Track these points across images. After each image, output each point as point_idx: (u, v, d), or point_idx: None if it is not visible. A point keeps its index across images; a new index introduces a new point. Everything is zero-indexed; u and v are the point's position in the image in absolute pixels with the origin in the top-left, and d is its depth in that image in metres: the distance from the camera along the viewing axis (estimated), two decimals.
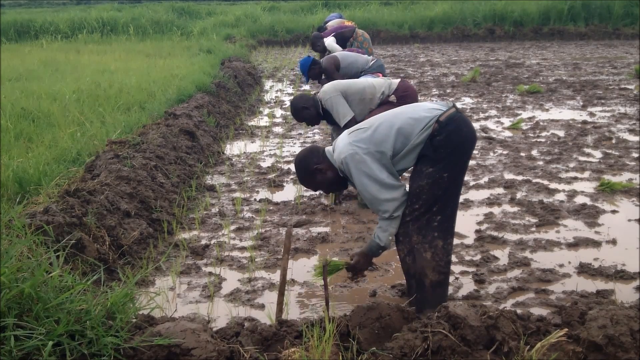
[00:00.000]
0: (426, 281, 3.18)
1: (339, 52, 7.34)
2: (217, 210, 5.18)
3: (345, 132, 3.35)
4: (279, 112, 9.65)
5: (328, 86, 5.13)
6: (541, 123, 8.08)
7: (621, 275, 3.79)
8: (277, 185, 5.85)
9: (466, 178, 5.79)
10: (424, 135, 3.13)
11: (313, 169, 3.37)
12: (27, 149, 5.68)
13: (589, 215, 4.80)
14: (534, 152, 6.68)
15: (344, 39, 8.85)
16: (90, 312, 2.40)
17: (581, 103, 9.37)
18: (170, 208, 4.99)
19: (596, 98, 9.67)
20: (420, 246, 3.15)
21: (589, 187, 5.49)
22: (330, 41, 8.70)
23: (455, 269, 3.97)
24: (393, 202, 3.14)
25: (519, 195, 5.35)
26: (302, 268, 4.07)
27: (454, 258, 4.10)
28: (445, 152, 3.12)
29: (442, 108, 3.20)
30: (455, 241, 4.39)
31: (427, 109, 3.23)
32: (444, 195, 3.15)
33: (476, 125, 7.92)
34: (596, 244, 4.30)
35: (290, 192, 5.68)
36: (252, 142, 7.67)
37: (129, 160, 5.25)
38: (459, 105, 9.38)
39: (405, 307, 2.70)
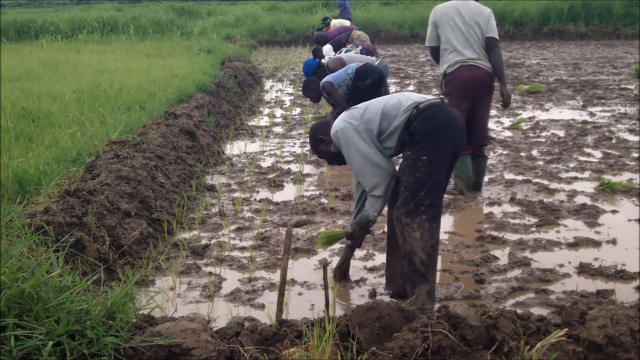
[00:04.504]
0: (416, 260, 3.30)
1: (344, 54, 7.46)
2: (217, 210, 5.18)
3: (344, 111, 3.59)
4: (279, 112, 9.66)
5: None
6: (541, 123, 8.08)
7: (621, 275, 3.79)
8: (277, 185, 5.85)
9: None
10: (402, 118, 3.31)
11: (318, 138, 3.65)
12: (27, 148, 5.67)
13: (589, 215, 4.80)
14: (534, 152, 6.68)
15: (340, 45, 9.08)
16: (90, 312, 2.40)
17: (581, 103, 9.37)
18: (170, 208, 4.99)
19: (596, 98, 9.67)
20: (409, 227, 3.29)
21: (589, 187, 5.49)
22: (327, 49, 9.05)
23: (455, 269, 3.97)
24: (375, 177, 3.35)
25: (519, 195, 5.34)
26: (302, 268, 4.07)
27: (454, 258, 4.11)
28: (421, 137, 3.28)
29: (429, 98, 3.41)
30: (455, 241, 4.40)
31: (416, 96, 3.43)
32: (427, 179, 3.26)
33: None
34: (596, 244, 4.30)
35: (290, 192, 5.68)
36: (252, 142, 7.67)
37: (129, 160, 5.24)
38: None
39: (405, 307, 2.70)
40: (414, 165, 3.27)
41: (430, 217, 3.29)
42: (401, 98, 3.41)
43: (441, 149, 3.30)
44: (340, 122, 3.45)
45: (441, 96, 3.44)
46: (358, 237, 3.64)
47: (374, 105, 3.44)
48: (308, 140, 3.81)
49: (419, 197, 3.27)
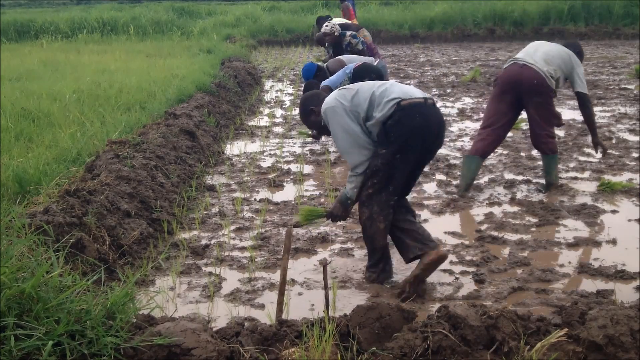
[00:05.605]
0: (377, 244, 3.72)
1: (344, 55, 7.49)
2: (217, 210, 5.18)
3: (337, 89, 3.77)
4: (279, 112, 9.65)
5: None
6: None
7: (621, 275, 3.79)
8: (277, 185, 5.85)
9: None
10: (383, 112, 3.49)
11: (309, 109, 3.87)
12: (27, 149, 5.67)
13: (589, 215, 4.80)
14: (534, 152, 6.65)
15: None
16: (90, 312, 2.40)
17: None
18: (170, 208, 4.99)
19: (596, 98, 9.66)
20: (377, 217, 3.63)
21: (589, 187, 5.49)
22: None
23: (455, 269, 3.97)
24: (359, 156, 3.57)
25: (519, 195, 5.35)
26: (302, 268, 4.07)
27: (454, 258, 4.13)
28: (395, 137, 3.50)
29: (416, 95, 3.55)
30: (455, 241, 4.41)
31: (404, 90, 3.57)
32: (396, 175, 3.56)
33: (477, 125, 7.91)
34: (596, 244, 4.30)
35: (290, 192, 5.68)
36: (252, 142, 7.67)
37: (129, 160, 5.24)
38: (459, 105, 9.38)
39: (405, 307, 2.71)
40: (389, 163, 3.53)
41: (390, 213, 3.65)
42: (389, 87, 3.59)
43: (414, 150, 3.55)
44: (331, 100, 3.63)
45: (427, 96, 3.59)
46: (338, 216, 3.81)
47: (365, 90, 3.60)
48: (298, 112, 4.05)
49: (387, 191, 3.59)
